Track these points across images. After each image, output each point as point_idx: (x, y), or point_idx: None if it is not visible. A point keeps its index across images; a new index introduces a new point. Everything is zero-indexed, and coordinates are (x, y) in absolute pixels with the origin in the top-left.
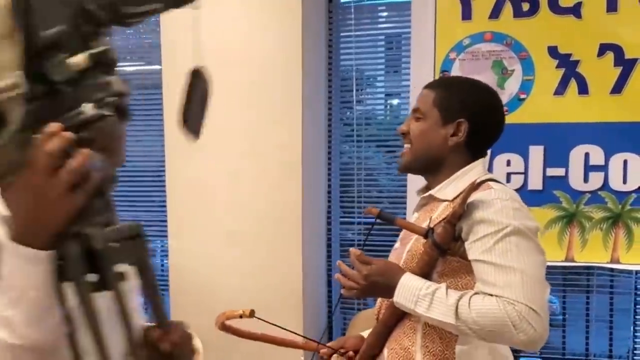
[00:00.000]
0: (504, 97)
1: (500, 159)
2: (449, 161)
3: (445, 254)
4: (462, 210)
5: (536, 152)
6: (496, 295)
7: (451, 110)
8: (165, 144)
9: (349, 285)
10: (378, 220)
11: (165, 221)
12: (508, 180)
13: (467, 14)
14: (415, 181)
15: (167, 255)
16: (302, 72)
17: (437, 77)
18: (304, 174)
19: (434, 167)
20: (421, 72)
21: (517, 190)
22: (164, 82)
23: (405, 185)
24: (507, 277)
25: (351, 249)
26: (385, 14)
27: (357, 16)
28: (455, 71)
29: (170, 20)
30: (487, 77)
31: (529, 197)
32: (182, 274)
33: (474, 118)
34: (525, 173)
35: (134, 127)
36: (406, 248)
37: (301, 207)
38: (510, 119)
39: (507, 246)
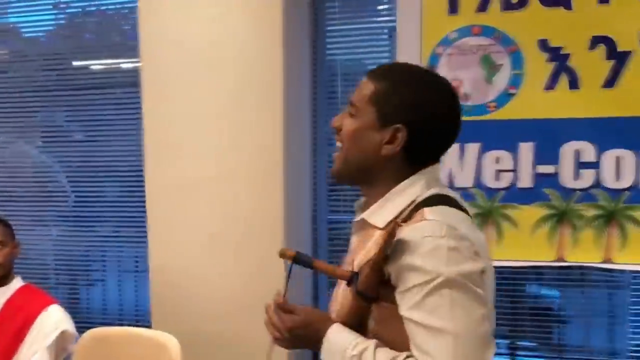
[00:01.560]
0: (493, 92)
1: (489, 156)
2: (384, 174)
3: (376, 301)
4: (386, 253)
5: (526, 149)
6: None
7: (390, 111)
8: (144, 144)
9: (275, 335)
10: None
11: (145, 223)
12: (497, 179)
13: (454, 8)
14: None
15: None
16: (283, 70)
17: None
18: (286, 175)
19: (367, 179)
20: None
21: (506, 188)
22: (143, 79)
23: None
24: (438, 342)
25: (274, 296)
26: (372, 7)
27: (342, 9)
28: (443, 67)
29: (148, 14)
30: (475, 72)
31: (519, 195)
32: (163, 277)
33: (416, 125)
34: (515, 170)
35: (111, 126)
36: (340, 288)
37: (283, 208)
38: (499, 114)
39: (438, 301)
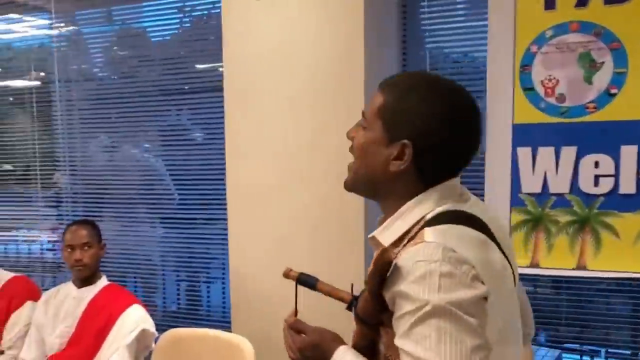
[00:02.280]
0: (592, 93)
1: (587, 160)
2: (395, 190)
3: (377, 325)
4: (377, 279)
5: (628, 153)
6: None
7: (396, 125)
8: (226, 146)
9: (290, 355)
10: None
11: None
12: (596, 184)
13: (550, 3)
14: None
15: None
16: (364, 73)
17: (516, 73)
18: None
19: (378, 194)
20: (498, 69)
21: (606, 195)
22: (225, 83)
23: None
24: None
25: (288, 316)
26: (464, 3)
27: (431, 9)
28: (537, 66)
29: (232, 20)
30: (573, 71)
31: (620, 202)
32: (241, 278)
33: (424, 141)
34: (616, 176)
35: (197, 130)
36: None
37: (363, 212)
38: (598, 116)
39: (426, 331)
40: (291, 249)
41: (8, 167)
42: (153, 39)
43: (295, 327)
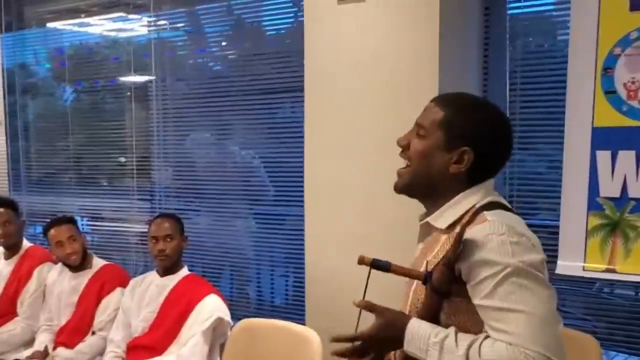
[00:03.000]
0: None
1: None
2: (448, 188)
3: (448, 296)
4: (457, 252)
5: None
6: (507, 342)
7: (458, 135)
8: (305, 145)
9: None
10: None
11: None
12: None
13: (636, 4)
14: None
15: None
16: (438, 78)
17: (598, 76)
18: None
19: (432, 193)
20: (580, 71)
21: None
22: (306, 83)
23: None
24: (514, 322)
25: (356, 300)
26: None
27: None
28: (620, 69)
29: (314, 24)
30: None
31: None
32: (317, 273)
33: (480, 149)
34: None
35: (277, 130)
36: (412, 287)
37: None
38: None
39: (509, 288)
40: (366, 246)
41: (122, 159)
42: (268, 33)
43: (366, 306)
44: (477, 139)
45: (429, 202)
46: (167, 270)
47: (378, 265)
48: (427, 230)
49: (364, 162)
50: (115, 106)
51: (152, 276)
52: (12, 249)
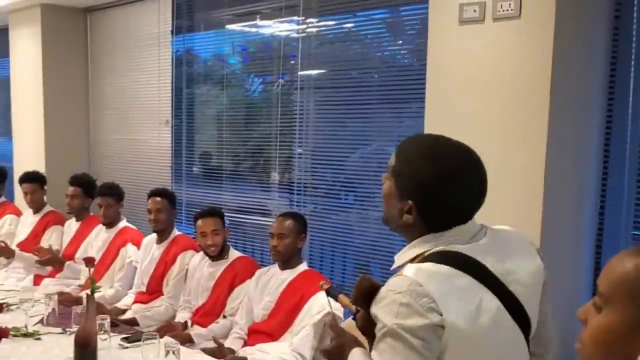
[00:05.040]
0: None
1: None
2: (410, 233)
3: (372, 335)
4: (362, 299)
5: None
6: None
7: (403, 187)
8: None
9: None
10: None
11: None
12: None
13: None
14: None
15: None
16: (550, 98)
17: None
18: (545, 196)
19: (402, 233)
20: None
21: None
22: (427, 94)
23: None
24: None
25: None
26: None
27: None
28: None
29: (437, 41)
30: None
31: None
32: None
33: (422, 201)
34: None
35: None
36: None
37: (540, 225)
38: None
39: (383, 346)
40: None
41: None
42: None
43: (334, 330)
44: (421, 193)
45: (405, 237)
46: (285, 264)
47: (330, 293)
48: None
49: None
50: (265, 102)
51: (275, 269)
52: (162, 235)
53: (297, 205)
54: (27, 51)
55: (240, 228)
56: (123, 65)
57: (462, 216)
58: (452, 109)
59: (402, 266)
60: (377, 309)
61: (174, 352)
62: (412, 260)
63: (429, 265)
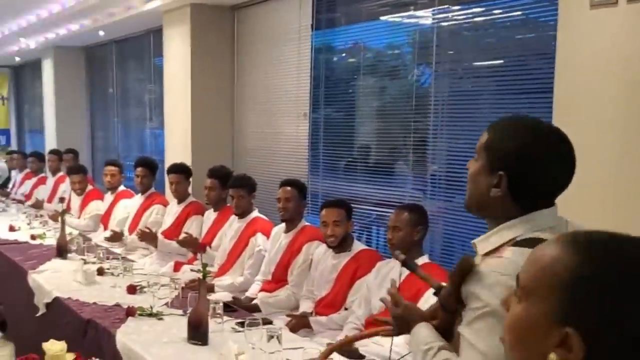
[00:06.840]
0: None
1: None
2: (496, 211)
3: (453, 313)
4: (459, 279)
5: None
6: None
7: (495, 158)
8: None
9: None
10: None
11: None
12: None
13: None
14: None
15: None
16: None
17: None
18: None
19: (485, 214)
20: None
21: None
22: (556, 84)
23: None
24: (470, 355)
25: (390, 287)
26: None
27: None
28: None
29: (566, 26)
30: None
31: None
32: None
33: (514, 172)
34: None
35: None
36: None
37: None
38: None
39: (481, 325)
40: None
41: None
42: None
43: (393, 299)
44: (513, 163)
45: (488, 222)
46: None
47: (407, 264)
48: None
49: (602, 166)
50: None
51: (394, 262)
52: (290, 225)
53: (430, 198)
54: (177, 49)
55: (378, 220)
56: (265, 60)
57: (549, 194)
58: (583, 98)
59: (491, 253)
60: (478, 288)
61: (277, 337)
62: (500, 246)
63: (529, 251)
